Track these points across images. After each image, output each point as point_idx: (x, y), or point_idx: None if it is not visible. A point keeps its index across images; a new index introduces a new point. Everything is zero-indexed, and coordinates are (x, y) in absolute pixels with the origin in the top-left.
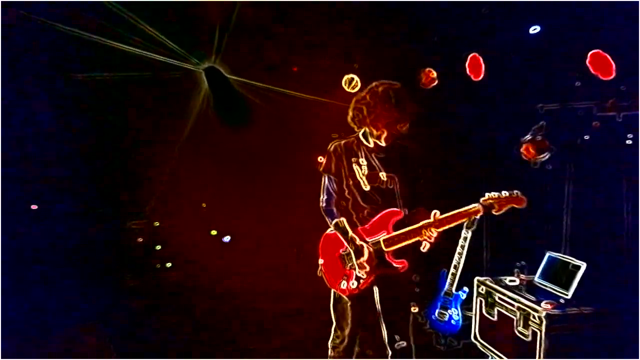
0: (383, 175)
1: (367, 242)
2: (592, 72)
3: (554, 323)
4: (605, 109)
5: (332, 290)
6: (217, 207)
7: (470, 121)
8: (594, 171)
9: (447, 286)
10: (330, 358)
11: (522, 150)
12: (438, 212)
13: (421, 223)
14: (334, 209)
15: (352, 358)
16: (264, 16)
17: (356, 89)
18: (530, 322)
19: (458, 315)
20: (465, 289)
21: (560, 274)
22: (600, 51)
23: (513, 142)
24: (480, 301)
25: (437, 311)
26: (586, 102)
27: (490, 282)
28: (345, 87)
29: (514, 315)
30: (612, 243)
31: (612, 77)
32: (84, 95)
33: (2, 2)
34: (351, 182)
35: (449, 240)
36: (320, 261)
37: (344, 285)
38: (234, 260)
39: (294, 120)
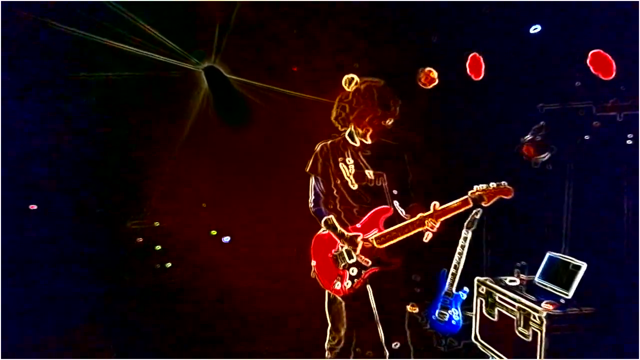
0: (370, 173)
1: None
2: (593, 72)
3: (555, 323)
4: (605, 109)
5: (327, 291)
6: (217, 207)
7: (470, 121)
8: (594, 171)
9: (447, 286)
10: (327, 359)
11: (522, 150)
12: (437, 204)
13: (411, 220)
14: (323, 208)
15: (349, 359)
16: (264, 16)
17: None
18: (530, 323)
19: (458, 315)
20: (466, 289)
21: (560, 274)
22: (601, 51)
23: (513, 142)
24: (481, 301)
25: (437, 311)
26: (586, 102)
27: (491, 282)
28: (345, 87)
29: (515, 316)
30: (612, 243)
31: (612, 77)
32: (84, 95)
33: (2, 2)
34: (339, 182)
35: (449, 240)
36: (313, 263)
37: (338, 285)
38: (234, 260)
39: (294, 120)
